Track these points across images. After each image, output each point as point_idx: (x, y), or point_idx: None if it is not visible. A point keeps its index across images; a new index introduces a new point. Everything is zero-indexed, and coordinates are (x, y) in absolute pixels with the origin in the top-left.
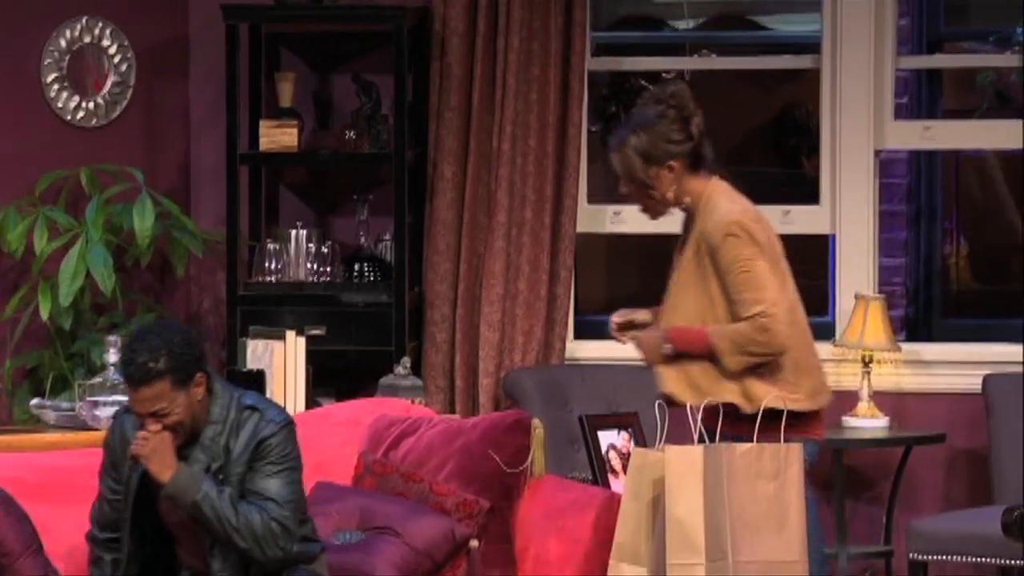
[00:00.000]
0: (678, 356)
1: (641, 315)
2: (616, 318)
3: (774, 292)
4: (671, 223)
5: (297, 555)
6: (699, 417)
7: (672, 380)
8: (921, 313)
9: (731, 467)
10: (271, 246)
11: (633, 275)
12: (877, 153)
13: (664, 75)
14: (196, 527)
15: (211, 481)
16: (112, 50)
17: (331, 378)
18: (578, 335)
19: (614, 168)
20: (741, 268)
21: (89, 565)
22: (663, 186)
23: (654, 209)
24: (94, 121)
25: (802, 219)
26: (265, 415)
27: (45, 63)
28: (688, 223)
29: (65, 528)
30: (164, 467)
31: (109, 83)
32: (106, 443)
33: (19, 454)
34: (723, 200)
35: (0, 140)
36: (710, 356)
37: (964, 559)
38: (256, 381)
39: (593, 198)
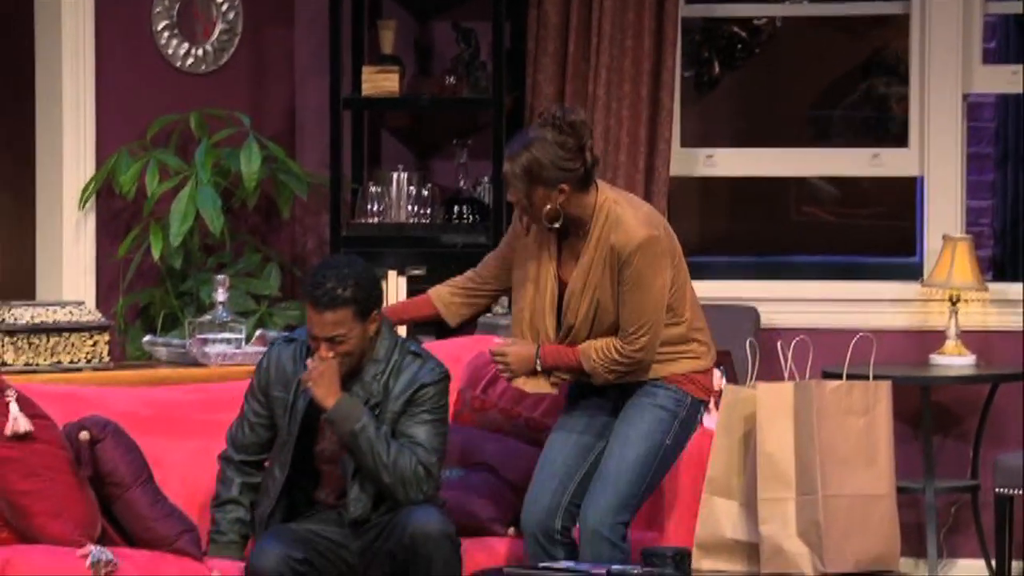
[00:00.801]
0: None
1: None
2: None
3: (658, 312)
4: (767, 168)
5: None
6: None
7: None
8: (1008, 253)
9: (821, 403)
10: (373, 188)
11: (725, 217)
12: (965, 97)
13: (755, 21)
14: (340, 464)
15: (371, 415)
16: None
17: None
18: None
19: (506, 178)
20: (639, 284)
21: (217, 482)
22: (549, 203)
23: (532, 220)
24: (203, 67)
25: (891, 161)
26: (427, 363)
27: (156, 11)
28: (570, 230)
29: (175, 459)
30: (329, 393)
31: (217, 31)
32: (259, 368)
33: (132, 388)
34: (625, 210)
35: (114, 86)
36: (574, 372)
37: None
38: None
39: (686, 142)
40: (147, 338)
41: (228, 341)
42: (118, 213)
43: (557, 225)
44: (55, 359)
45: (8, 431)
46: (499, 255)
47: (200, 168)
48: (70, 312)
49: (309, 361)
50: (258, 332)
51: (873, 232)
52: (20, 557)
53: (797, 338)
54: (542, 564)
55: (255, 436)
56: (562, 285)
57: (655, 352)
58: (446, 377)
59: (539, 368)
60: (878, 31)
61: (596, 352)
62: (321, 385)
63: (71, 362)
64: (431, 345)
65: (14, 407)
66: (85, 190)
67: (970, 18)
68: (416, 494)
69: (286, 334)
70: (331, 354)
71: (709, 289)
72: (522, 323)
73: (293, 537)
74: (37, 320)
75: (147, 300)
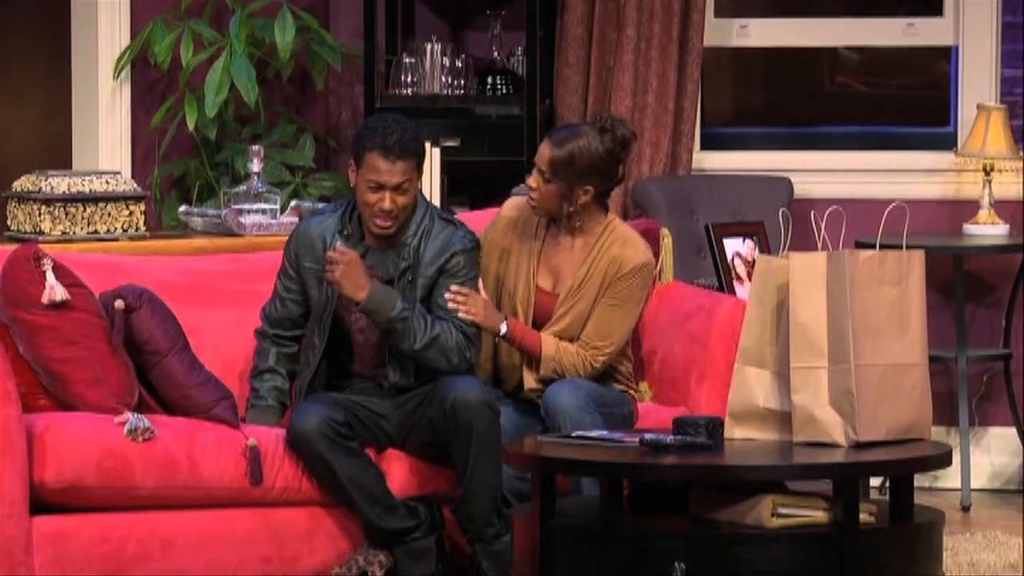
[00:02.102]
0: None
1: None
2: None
3: (627, 335)
4: (800, 38)
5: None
6: None
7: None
8: None
9: (854, 273)
10: (407, 60)
11: (758, 88)
12: None
13: None
14: (376, 339)
15: (403, 298)
16: None
17: (465, 188)
18: (704, 146)
19: (543, 159)
20: (624, 302)
21: (254, 355)
22: (573, 199)
23: (545, 207)
24: None
25: (925, 31)
26: (458, 230)
27: None
28: (561, 240)
29: (211, 329)
30: (358, 288)
31: None
32: (288, 244)
33: (168, 258)
34: (632, 232)
35: None
36: (530, 355)
37: None
38: None
39: (720, 11)
40: (183, 208)
41: (263, 211)
42: (153, 84)
43: (567, 220)
44: (91, 228)
45: (45, 299)
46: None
47: (234, 39)
48: (106, 182)
49: (330, 253)
50: (293, 203)
51: (907, 102)
52: (59, 424)
53: (830, 208)
54: (576, 432)
55: (286, 311)
56: (537, 292)
57: (594, 372)
58: (477, 245)
59: (502, 334)
60: None
61: (562, 349)
62: (347, 284)
63: (107, 232)
64: (465, 216)
65: (50, 276)
66: (120, 60)
67: None
68: (460, 363)
69: (321, 204)
70: (393, 206)
71: (742, 160)
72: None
73: (334, 402)
74: (74, 190)
75: (182, 171)
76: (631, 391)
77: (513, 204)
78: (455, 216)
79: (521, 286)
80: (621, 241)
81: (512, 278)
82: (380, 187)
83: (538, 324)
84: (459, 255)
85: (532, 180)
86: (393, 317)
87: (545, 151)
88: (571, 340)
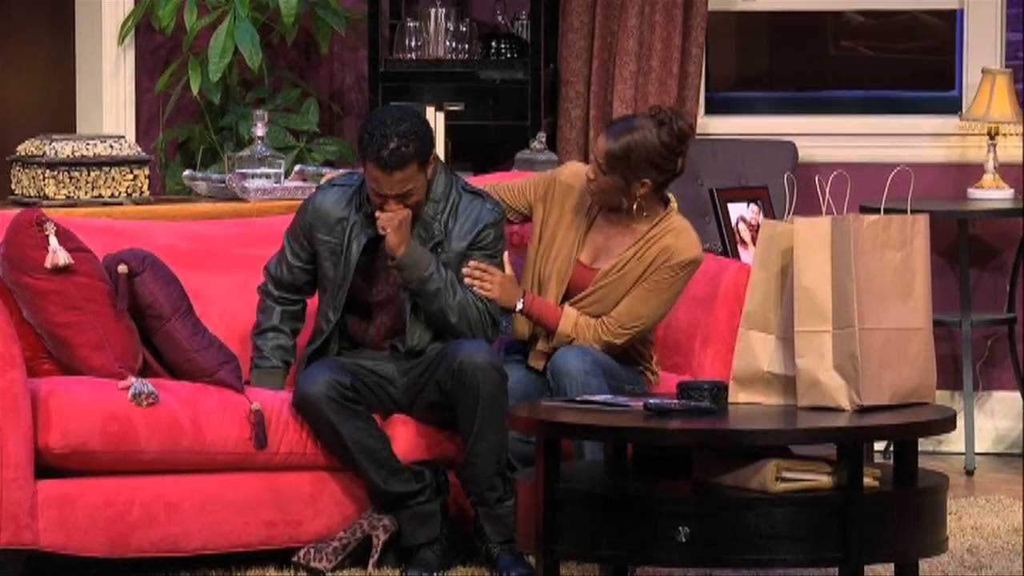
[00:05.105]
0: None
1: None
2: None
3: (654, 322)
4: (805, 1)
5: None
6: None
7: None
8: None
9: (858, 237)
10: (411, 24)
11: (763, 52)
12: None
13: None
14: (396, 303)
15: (437, 261)
16: None
17: (469, 152)
18: (709, 111)
19: (599, 151)
20: (661, 291)
21: (257, 312)
22: (631, 192)
23: (604, 198)
24: None
25: None
26: (487, 203)
27: None
28: (614, 222)
29: (214, 294)
30: (401, 241)
31: None
32: (302, 211)
33: (171, 223)
34: (688, 226)
35: None
36: (547, 330)
37: None
38: None
39: None
40: (187, 172)
41: (267, 176)
42: (157, 48)
43: (623, 209)
44: (96, 193)
45: (48, 264)
46: (523, 189)
47: (238, 3)
48: (110, 146)
49: (386, 210)
50: (297, 167)
51: (911, 66)
52: (63, 388)
53: (835, 173)
54: (580, 397)
55: (292, 277)
56: (576, 265)
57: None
58: (504, 216)
59: (518, 310)
60: None
61: (580, 326)
62: (397, 234)
63: (111, 196)
64: (469, 181)
65: (53, 240)
66: (124, 25)
67: None
68: (480, 336)
69: (340, 172)
70: (401, 207)
71: (746, 125)
72: (526, 279)
73: (340, 366)
74: (78, 154)
75: (186, 135)
76: (648, 374)
77: (573, 172)
78: (478, 186)
79: (562, 256)
80: (675, 232)
81: (556, 247)
82: (383, 195)
83: (570, 294)
84: (489, 228)
85: (590, 171)
86: (425, 276)
87: (602, 143)
88: (598, 316)
